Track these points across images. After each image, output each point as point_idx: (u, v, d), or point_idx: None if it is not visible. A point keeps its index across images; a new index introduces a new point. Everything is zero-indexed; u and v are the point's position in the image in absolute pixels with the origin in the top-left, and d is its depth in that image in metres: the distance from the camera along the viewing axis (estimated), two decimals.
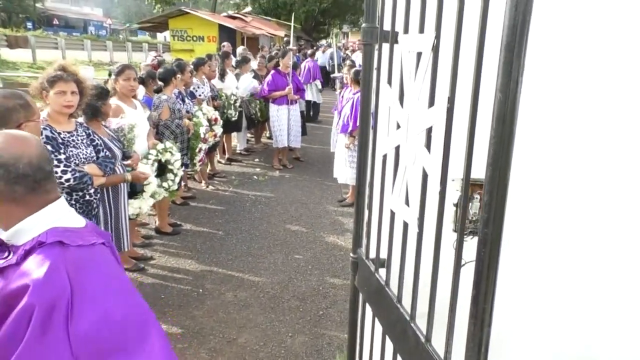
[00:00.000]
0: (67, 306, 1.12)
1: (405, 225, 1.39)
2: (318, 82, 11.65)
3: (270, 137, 8.15)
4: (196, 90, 6.31)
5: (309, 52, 12.81)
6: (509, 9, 0.84)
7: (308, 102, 11.60)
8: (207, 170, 6.78)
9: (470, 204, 1.56)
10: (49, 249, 1.19)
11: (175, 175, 4.57)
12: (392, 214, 1.48)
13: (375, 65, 1.58)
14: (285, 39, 18.55)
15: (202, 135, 5.51)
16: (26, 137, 1.30)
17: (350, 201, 5.99)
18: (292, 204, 6.02)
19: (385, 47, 1.52)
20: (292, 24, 8.64)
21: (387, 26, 1.53)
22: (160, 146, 4.38)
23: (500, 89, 0.87)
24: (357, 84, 5.74)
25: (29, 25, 35.93)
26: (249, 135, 8.87)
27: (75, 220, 1.32)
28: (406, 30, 1.36)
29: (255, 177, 7.08)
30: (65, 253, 1.20)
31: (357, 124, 5.42)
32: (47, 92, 2.86)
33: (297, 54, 12.62)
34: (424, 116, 1.23)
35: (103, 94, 3.53)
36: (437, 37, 1.16)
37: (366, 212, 1.76)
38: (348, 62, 8.35)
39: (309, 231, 5.23)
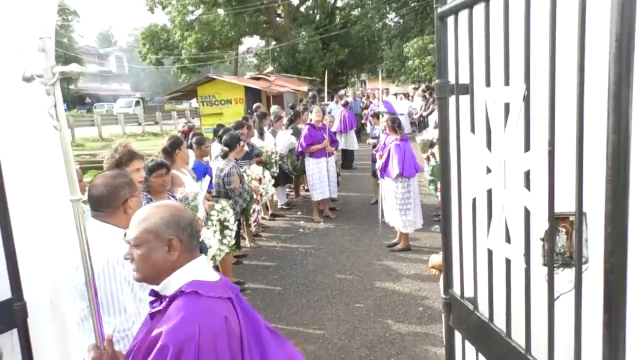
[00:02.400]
0: (195, 350, 1.32)
1: (508, 262, 1.47)
2: (353, 132, 11.90)
3: (307, 190, 8.29)
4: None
5: (342, 102, 13.31)
6: (612, 61, 0.96)
7: (343, 151, 11.84)
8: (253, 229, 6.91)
9: (557, 237, 1.63)
10: (186, 297, 1.41)
11: (231, 230, 4.74)
12: (490, 252, 1.57)
13: (452, 116, 1.71)
14: (309, 93, 19.12)
15: (254, 196, 5.70)
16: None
17: (402, 247, 6.01)
18: (342, 253, 6.08)
19: (463, 99, 1.65)
20: (326, 79, 9.01)
21: (460, 79, 1.68)
22: (217, 206, 4.57)
23: (613, 130, 0.98)
24: (394, 131, 5.92)
25: (64, 106, 37.97)
26: (287, 189, 9.06)
27: (210, 275, 1.51)
28: (488, 84, 1.49)
29: (301, 230, 7.19)
30: (198, 301, 1.40)
31: (403, 170, 5.58)
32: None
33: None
34: (520, 160, 1.33)
35: (150, 169, 3.62)
36: (527, 89, 1.28)
37: (455, 252, 1.84)
38: (376, 110, 8.66)
39: (364, 279, 5.26)
